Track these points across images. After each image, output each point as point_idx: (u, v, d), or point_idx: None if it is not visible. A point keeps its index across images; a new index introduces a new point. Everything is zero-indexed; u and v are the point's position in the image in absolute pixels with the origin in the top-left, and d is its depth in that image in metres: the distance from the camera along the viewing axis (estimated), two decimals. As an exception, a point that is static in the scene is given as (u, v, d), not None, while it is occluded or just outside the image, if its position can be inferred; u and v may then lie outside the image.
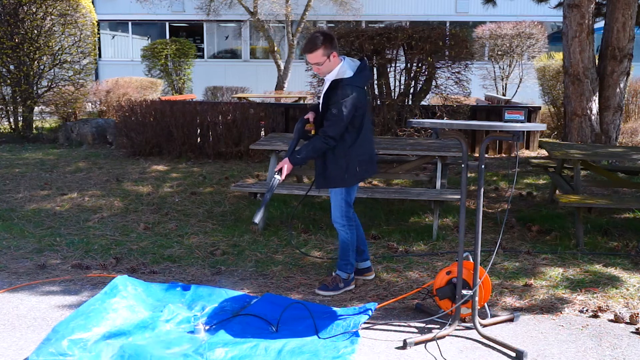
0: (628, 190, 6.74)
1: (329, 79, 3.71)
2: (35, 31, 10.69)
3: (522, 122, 3.97)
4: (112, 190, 6.81)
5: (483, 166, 3.26)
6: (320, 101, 3.80)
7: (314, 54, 3.60)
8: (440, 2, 20.02)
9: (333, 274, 4.02)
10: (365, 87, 3.71)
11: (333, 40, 3.62)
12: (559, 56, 12.03)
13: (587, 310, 3.63)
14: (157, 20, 20.85)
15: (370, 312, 3.49)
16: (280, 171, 3.72)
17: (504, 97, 13.53)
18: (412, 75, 8.61)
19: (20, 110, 11.12)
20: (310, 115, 3.87)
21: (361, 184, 7.29)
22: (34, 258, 4.54)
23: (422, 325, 3.44)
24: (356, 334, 3.22)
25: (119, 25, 21.42)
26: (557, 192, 6.15)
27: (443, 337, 3.27)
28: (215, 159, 8.88)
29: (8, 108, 11.13)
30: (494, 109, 10.30)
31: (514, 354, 3.08)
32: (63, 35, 11.17)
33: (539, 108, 10.47)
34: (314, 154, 3.73)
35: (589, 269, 4.36)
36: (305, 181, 6.95)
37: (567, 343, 3.22)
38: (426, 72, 8.60)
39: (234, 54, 21.51)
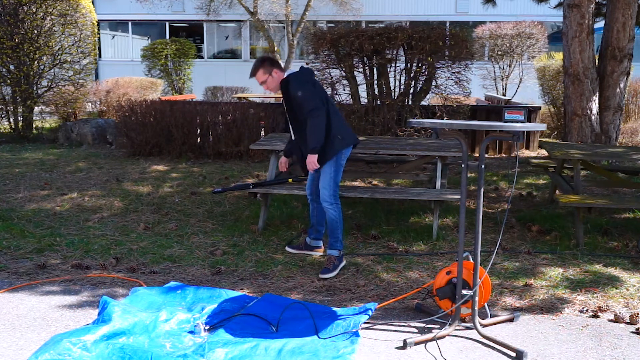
0: (628, 190, 6.74)
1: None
2: (35, 31, 10.69)
3: (522, 122, 3.99)
4: (112, 190, 6.81)
5: (483, 166, 3.26)
6: (285, 109, 4.32)
7: (256, 75, 4.19)
8: (440, 2, 20.02)
9: (326, 255, 4.34)
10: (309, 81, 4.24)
11: (273, 60, 4.21)
12: (559, 56, 12.04)
13: (587, 310, 3.63)
14: (157, 20, 20.85)
15: (370, 312, 3.49)
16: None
17: (504, 97, 13.53)
18: (412, 75, 8.61)
19: (20, 110, 11.12)
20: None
21: (361, 184, 7.30)
22: (34, 258, 4.54)
23: (422, 325, 3.44)
24: (356, 334, 3.22)
25: (119, 25, 21.42)
26: (557, 192, 6.15)
27: (443, 337, 3.27)
28: (215, 159, 8.88)
29: (8, 108, 11.13)
30: (494, 109, 10.30)
31: (514, 354, 3.08)
32: (63, 35, 11.17)
33: (539, 108, 10.47)
34: (319, 133, 4.08)
35: (589, 269, 4.36)
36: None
37: (567, 343, 3.22)
38: (426, 72, 8.60)
39: (234, 54, 21.51)
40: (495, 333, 3.32)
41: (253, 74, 4.20)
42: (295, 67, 17.70)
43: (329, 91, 8.75)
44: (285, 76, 4.20)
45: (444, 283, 3.45)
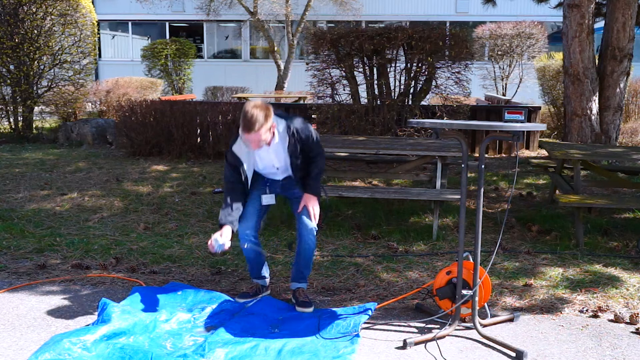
0: (628, 190, 6.74)
1: (270, 140, 3.50)
2: (35, 31, 10.70)
3: (522, 122, 3.98)
4: (112, 190, 6.81)
5: (483, 166, 3.26)
6: (270, 156, 3.58)
7: (258, 132, 3.32)
8: (440, 2, 20.02)
9: (295, 288, 3.74)
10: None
11: (270, 108, 3.40)
12: (559, 56, 12.04)
13: (587, 310, 3.63)
14: (157, 20, 20.86)
15: (370, 312, 3.49)
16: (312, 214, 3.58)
17: (504, 97, 13.53)
18: (412, 75, 8.61)
19: (20, 110, 11.13)
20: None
21: (361, 184, 7.29)
22: (34, 258, 4.54)
23: (422, 325, 3.44)
24: (356, 335, 3.22)
25: (119, 25, 21.42)
26: (557, 192, 6.15)
27: (443, 337, 3.27)
28: (215, 159, 8.88)
29: (8, 108, 11.13)
30: (494, 109, 10.30)
31: (514, 354, 3.08)
32: (63, 35, 11.17)
33: (539, 108, 10.47)
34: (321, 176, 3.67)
35: (589, 269, 4.36)
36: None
37: (567, 343, 3.22)
38: (426, 72, 8.60)
39: (234, 54, 21.51)
40: (495, 333, 3.32)
41: (252, 130, 3.31)
42: (295, 67, 17.56)
43: (328, 91, 8.76)
44: (280, 125, 3.55)
45: (444, 283, 3.45)
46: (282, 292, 3.92)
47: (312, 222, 3.57)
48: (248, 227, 3.63)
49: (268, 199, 3.73)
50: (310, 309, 3.57)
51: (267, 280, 3.88)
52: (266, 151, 3.58)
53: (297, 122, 3.58)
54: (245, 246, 3.67)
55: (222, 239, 3.46)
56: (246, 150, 3.56)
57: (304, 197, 3.62)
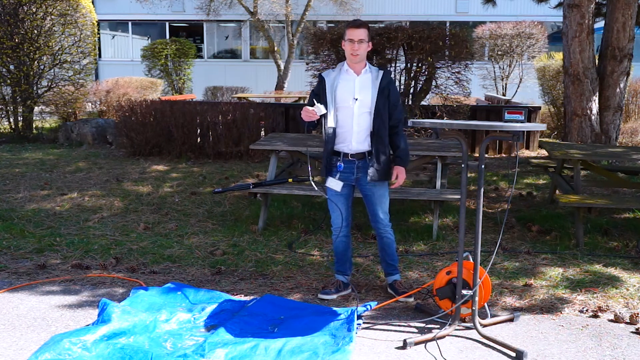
0: (628, 190, 6.74)
1: (360, 69, 3.69)
2: (35, 31, 10.69)
3: (522, 122, 3.97)
4: (112, 190, 6.81)
5: (483, 166, 3.26)
6: (356, 90, 3.65)
7: (362, 30, 3.64)
8: (440, 2, 20.02)
9: (391, 282, 3.89)
10: None
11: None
12: (559, 56, 12.03)
13: (587, 310, 3.63)
14: (157, 20, 20.85)
15: (369, 307, 3.52)
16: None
17: (504, 97, 13.53)
18: (412, 75, 8.61)
19: (20, 110, 11.12)
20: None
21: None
22: (34, 258, 4.54)
23: (422, 325, 3.44)
24: (352, 325, 3.22)
25: (119, 25, 21.42)
26: (557, 192, 6.15)
27: (443, 337, 3.27)
28: (215, 159, 8.88)
29: (8, 108, 11.13)
30: (494, 109, 10.31)
31: (514, 354, 3.08)
32: (63, 35, 11.17)
33: (539, 108, 10.47)
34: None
35: (589, 269, 4.36)
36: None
37: (567, 343, 3.22)
38: (426, 72, 8.60)
39: (234, 54, 21.51)
40: (495, 333, 3.32)
41: (360, 26, 3.64)
42: (295, 67, 17.58)
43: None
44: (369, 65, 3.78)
45: (444, 283, 3.45)
46: (283, 292, 3.92)
47: (386, 218, 3.79)
48: (342, 220, 3.80)
49: (333, 183, 3.72)
50: (411, 300, 3.76)
51: (349, 277, 3.95)
52: (352, 81, 3.68)
53: (392, 81, 3.72)
54: (337, 239, 3.83)
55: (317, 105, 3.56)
56: (333, 76, 3.71)
57: (394, 169, 3.72)
